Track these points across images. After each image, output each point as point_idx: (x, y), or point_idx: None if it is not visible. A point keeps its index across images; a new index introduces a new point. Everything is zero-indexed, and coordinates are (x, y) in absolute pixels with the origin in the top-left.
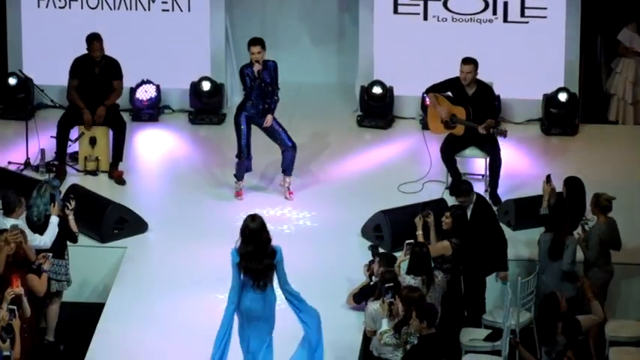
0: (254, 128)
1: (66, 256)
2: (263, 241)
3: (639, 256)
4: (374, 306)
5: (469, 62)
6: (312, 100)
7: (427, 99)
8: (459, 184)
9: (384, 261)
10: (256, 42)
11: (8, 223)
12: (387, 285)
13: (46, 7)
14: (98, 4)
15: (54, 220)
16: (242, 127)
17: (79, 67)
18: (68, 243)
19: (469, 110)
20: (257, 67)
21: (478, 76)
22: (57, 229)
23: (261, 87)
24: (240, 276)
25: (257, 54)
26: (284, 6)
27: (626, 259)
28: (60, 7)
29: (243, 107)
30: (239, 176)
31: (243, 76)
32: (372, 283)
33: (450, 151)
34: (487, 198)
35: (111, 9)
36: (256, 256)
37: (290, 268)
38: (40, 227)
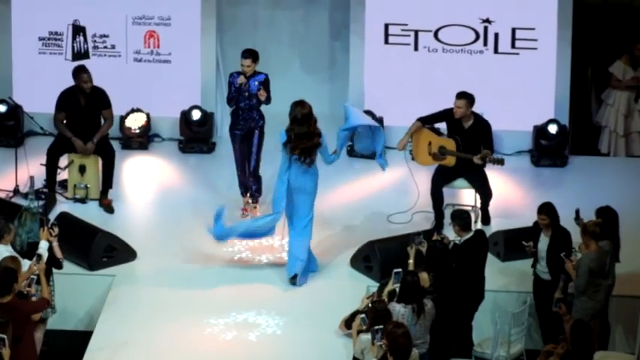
0: None
1: (51, 283)
2: (313, 122)
3: (628, 286)
4: (366, 336)
5: (461, 97)
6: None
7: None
8: (465, 217)
9: (379, 291)
10: (247, 55)
11: None
12: (376, 327)
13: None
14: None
15: (43, 245)
16: (235, 145)
17: (65, 100)
18: (54, 270)
19: (458, 141)
20: (241, 80)
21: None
22: (47, 254)
23: (245, 97)
24: (288, 155)
25: (246, 67)
26: (275, 33)
27: (615, 290)
28: (52, 35)
29: (234, 122)
30: (242, 192)
31: (229, 81)
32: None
33: (439, 183)
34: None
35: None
36: (308, 135)
37: (279, 296)
38: (23, 256)
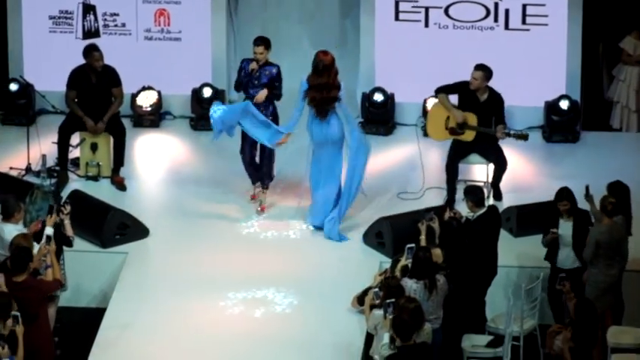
0: None
1: (61, 261)
2: (333, 73)
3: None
4: (379, 312)
5: (479, 69)
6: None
7: (429, 103)
8: (479, 193)
9: (392, 267)
10: (260, 42)
11: (6, 228)
12: (387, 300)
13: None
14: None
15: (48, 232)
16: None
17: (76, 78)
18: (67, 248)
19: (479, 117)
20: (252, 66)
21: None
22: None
23: (255, 84)
24: (304, 103)
25: (259, 54)
26: (285, 10)
27: (627, 265)
28: (62, 14)
29: None
30: (252, 180)
31: (240, 67)
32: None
33: (455, 158)
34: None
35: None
36: (326, 86)
37: (294, 271)
38: (36, 234)
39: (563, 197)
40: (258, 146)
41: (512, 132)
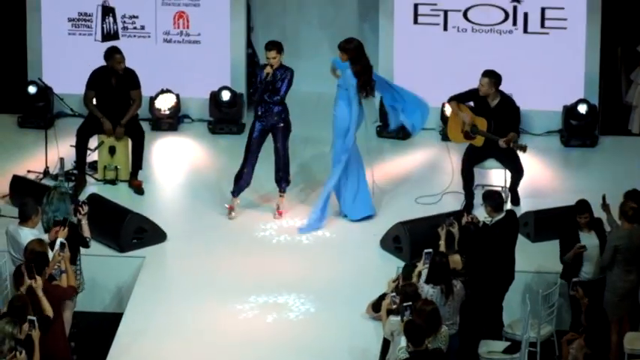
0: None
1: (78, 262)
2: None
3: None
4: (395, 318)
5: (486, 75)
6: (331, 109)
7: (447, 107)
8: (497, 197)
9: (404, 273)
10: (272, 46)
11: (22, 232)
12: (405, 304)
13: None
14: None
15: (57, 243)
16: (252, 138)
17: (96, 79)
18: (84, 251)
19: (490, 122)
20: (267, 70)
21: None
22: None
23: (270, 90)
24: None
25: (272, 59)
26: (305, 15)
27: None
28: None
29: (256, 113)
30: (234, 191)
31: (255, 73)
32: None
33: (469, 162)
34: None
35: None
36: (370, 67)
37: (311, 277)
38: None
39: (585, 209)
40: (274, 151)
41: (511, 143)
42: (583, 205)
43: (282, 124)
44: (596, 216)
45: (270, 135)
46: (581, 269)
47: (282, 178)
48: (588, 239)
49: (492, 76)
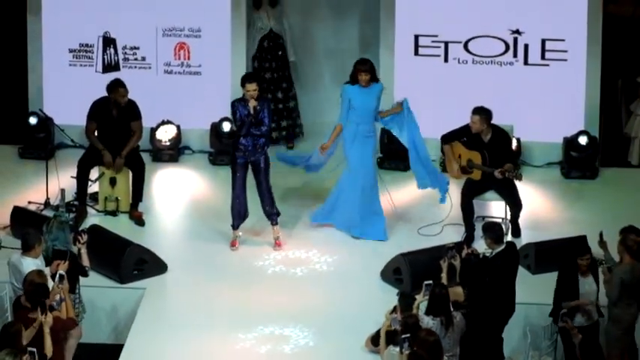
0: None
1: (77, 291)
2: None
3: None
4: (394, 350)
5: (476, 112)
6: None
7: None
8: (497, 229)
9: (402, 304)
10: (252, 79)
11: (25, 261)
12: (404, 336)
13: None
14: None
15: (61, 271)
16: (237, 173)
17: (97, 110)
18: (85, 282)
19: (485, 155)
20: (252, 104)
21: (496, 120)
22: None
23: (257, 123)
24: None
25: (253, 91)
26: (306, 46)
27: None
28: (83, 47)
29: (237, 148)
30: (234, 224)
31: (234, 110)
32: (393, 328)
33: (469, 195)
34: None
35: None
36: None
37: (310, 309)
38: (49, 262)
39: (586, 251)
40: (257, 185)
41: (507, 173)
42: (584, 247)
43: (263, 158)
44: (594, 252)
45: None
46: (576, 316)
47: (272, 212)
48: (587, 285)
49: (483, 113)
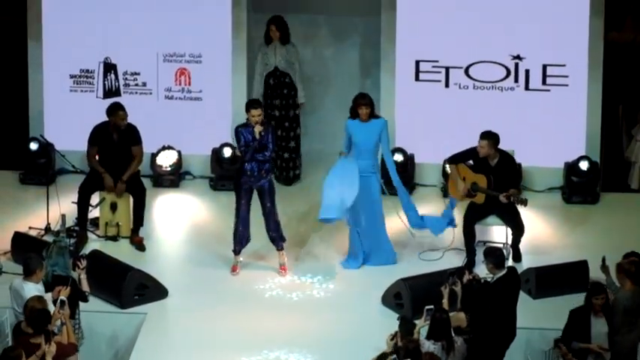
0: None
1: (77, 316)
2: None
3: None
4: None
5: (484, 137)
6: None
7: (448, 168)
8: (499, 254)
9: (403, 329)
10: (257, 105)
11: (26, 286)
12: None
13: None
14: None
15: (62, 297)
16: (242, 200)
17: (97, 135)
18: (85, 307)
19: (490, 179)
20: (258, 129)
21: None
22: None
23: (262, 149)
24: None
25: (258, 116)
26: (306, 71)
27: None
28: (83, 73)
29: (242, 173)
30: (235, 249)
31: (238, 136)
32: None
33: (471, 220)
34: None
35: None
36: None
37: (310, 334)
38: (48, 287)
39: (601, 290)
40: (263, 210)
41: (512, 198)
42: (598, 287)
43: (268, 184)
44: (595, 277)
45: (255, 192)
46: (587, 358)
47: (277, 237)
48: (599, 325)
49: (491, 137)
